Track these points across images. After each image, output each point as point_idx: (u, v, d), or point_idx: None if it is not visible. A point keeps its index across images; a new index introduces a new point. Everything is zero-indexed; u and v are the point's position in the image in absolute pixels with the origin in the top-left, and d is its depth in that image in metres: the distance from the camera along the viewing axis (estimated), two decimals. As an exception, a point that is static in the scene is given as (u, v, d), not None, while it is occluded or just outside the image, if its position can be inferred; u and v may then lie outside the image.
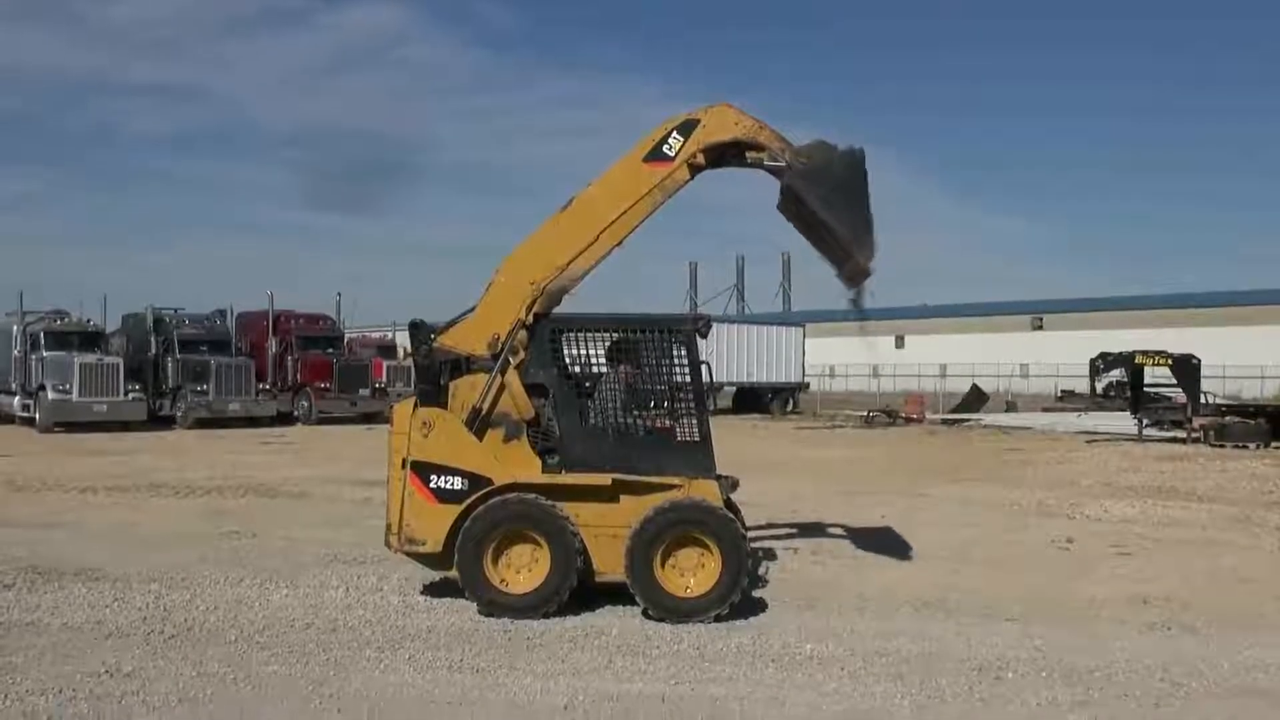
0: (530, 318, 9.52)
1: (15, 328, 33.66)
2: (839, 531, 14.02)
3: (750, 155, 9.82)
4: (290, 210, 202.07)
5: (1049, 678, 7.83)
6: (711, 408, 10.13)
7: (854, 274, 9.90)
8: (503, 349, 9.50)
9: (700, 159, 9.71)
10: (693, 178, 9.81)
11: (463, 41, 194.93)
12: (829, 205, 9.61)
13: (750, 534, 9.96)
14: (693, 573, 9.30)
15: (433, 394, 9.61)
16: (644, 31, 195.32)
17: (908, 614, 9.71)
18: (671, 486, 9.47)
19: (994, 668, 8.06)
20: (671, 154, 9.56)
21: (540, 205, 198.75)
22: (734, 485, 10.14)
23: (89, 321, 35.50)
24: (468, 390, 9.58)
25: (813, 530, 14.05)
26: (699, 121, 9.62)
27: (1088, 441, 32.42)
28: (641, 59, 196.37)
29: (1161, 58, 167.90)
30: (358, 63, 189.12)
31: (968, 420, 43.00)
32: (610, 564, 9.36)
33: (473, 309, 9.84)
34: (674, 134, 9.60)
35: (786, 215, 10.21)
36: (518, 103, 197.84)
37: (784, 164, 9.64)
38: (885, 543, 13.33)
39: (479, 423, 9.47)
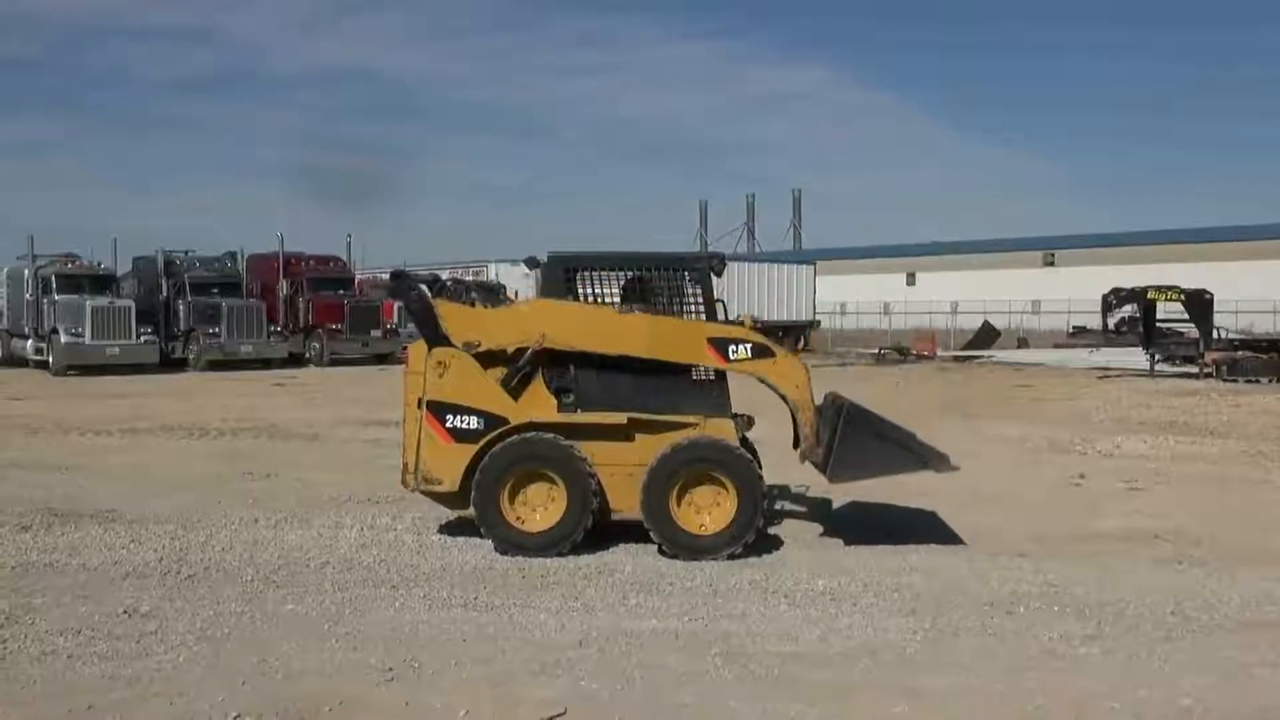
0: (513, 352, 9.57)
1: (26, 271, 33.62)
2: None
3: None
4: (302, 152, 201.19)
5: (1061, 612, 7.87)
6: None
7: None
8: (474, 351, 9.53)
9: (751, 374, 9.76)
10: None
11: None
12: (874, 463, 9.75)
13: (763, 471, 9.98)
14: (708, 510, 9.35)
15: (438, 337, 9.63)
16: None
17: (920, 550, 9.75)
18: (687, 425, 9.51)
19: (1006, 602, 8.10)
20: (731, 357, 9.59)
21: (554, 146, 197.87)
22: (749, 423, 10.16)
23: (100, 265, 35.44)
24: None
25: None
26: (774, 358, 9.64)
27: (1100, 377, 32.37)
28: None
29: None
30: (372, 3, 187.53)
31: (979, 357, 42.93)
32: (626, 502, 9.41)
33: (469, 287, 9.87)
34: (746, 347, 9.59)
35: None
36: (532, 42, 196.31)
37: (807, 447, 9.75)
38: (896, 480, 13.30)
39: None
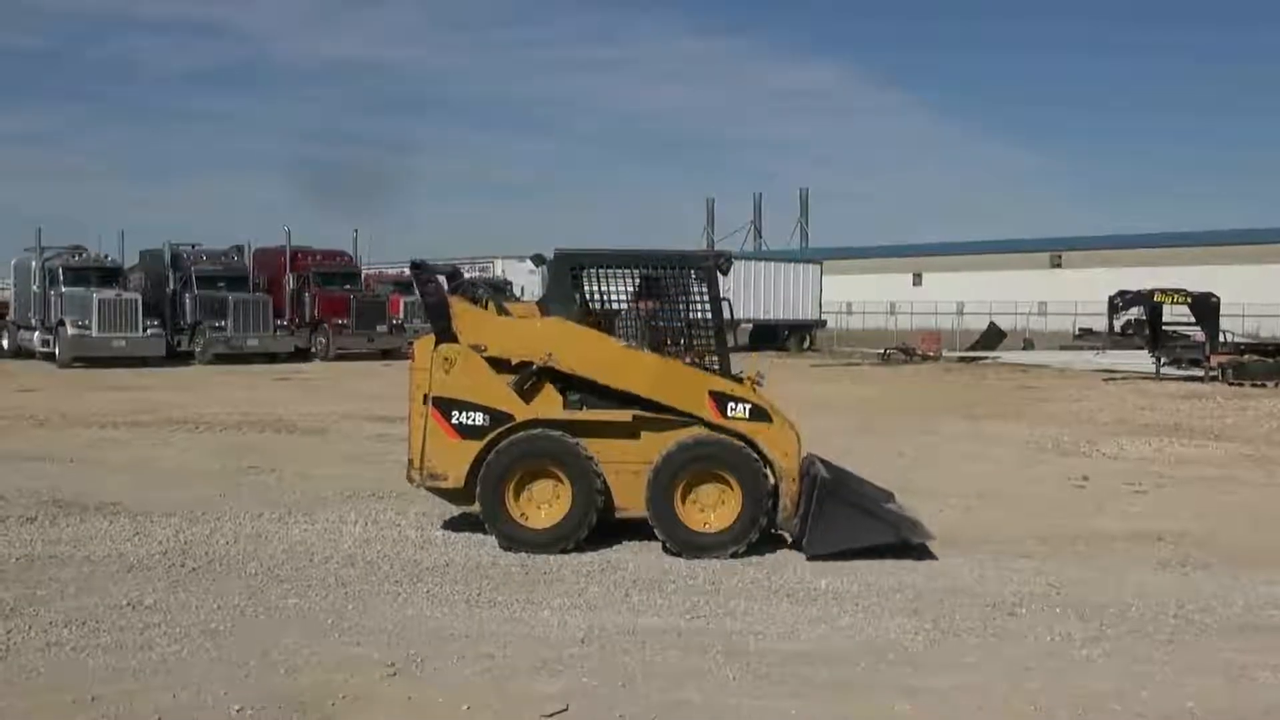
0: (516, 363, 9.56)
1: (34, 263, 33.61)
2: (855, 469, 13.99)
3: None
4: (310, 147, 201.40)
5: (1063, 613, 7.87)
6: (732, 344, 10.15)
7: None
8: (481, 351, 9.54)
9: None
10: None
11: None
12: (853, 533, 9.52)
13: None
14: (712, 509, 9.36)
15: (448, 332, 9.63)
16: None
17: (922, 550, 9.74)
18: (692, 423, 9.51)
19: (1008, 603, 8.10)
20: (728, 414, 9.53)
21: (560, 142, 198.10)
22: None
23: (107, 257, 35.44)
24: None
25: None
26: (771, 423, 9.57)
27: (1105, 379, 32.33)
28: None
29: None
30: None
31: (984, 358, 42.87)
32: (631, 500, 9.42)
33: (477, 288, 9.88)
34: (745, 407, 9.54)
35: None
36: (540, 37, 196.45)
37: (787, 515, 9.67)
38: (900, 480, 13.31)
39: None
